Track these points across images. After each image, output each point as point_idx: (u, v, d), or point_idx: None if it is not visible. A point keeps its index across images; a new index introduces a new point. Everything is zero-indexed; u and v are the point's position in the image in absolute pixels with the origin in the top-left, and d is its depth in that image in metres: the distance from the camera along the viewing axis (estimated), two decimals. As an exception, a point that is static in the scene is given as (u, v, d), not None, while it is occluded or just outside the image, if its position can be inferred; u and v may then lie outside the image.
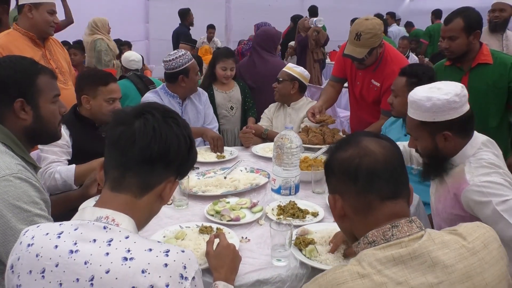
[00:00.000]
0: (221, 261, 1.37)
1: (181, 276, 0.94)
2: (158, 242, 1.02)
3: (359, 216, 1.07)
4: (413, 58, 6.90)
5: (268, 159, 2.67)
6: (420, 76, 2.26)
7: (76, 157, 2.32)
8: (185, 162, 1.12)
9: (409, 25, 9.64)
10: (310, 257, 1.52)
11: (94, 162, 2.21)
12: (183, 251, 0.98)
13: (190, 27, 7.41)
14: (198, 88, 3.12)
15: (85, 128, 2.42)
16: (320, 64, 6.88)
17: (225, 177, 2.25)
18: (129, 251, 0.94)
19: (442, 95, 1.56)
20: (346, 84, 3.39)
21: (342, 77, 3.10)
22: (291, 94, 3.16)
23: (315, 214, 1.88)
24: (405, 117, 2.39)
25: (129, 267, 0.92)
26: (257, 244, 1.67)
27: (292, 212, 1.86)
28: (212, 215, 1.85)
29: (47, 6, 2.89)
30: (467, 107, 1.62)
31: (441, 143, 1.62)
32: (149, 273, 0.91)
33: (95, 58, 5.74)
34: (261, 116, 3.39)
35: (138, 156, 1.03)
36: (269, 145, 2.88)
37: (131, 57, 4.47)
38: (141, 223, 1.10)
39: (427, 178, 1.77)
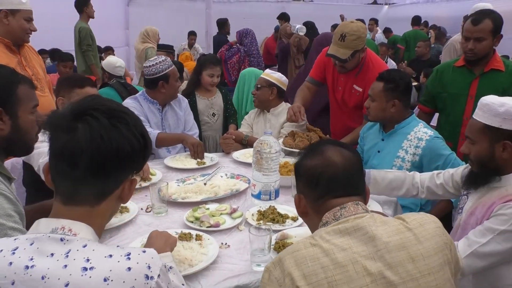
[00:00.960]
0: (150, 240, 1.37)
1: (147, 277, 0.91)
2: (117, 246, 0.98)
3: (317, 213, 1.22)
4: (391, 64, 7.02)
5: (248, 164, 2.67)
6: (397, 81, 2.31)
7: None
8: (141, 160, 1.07)
9: (387, 31, 9.83)
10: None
11: None
12: (144, 252, 0.96)
13: (227, 36, 7.45)
14: (178, 94, 3.11)
15: None
16: (299, 71, 6.90)
17: (205, 184, 2.24)
18: (88, 260, 0.90)
19: None
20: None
21: (320, 81, 3.11)
22: (270, 100, 3.18)
23: (294, 219, 1.88)
24: (381, 121, 2.46)
25: (90, 277, 0.88)
26: (237, 250, 1.67)
27: (272, 217, 1.86)
28: (192, 222, 1.84)
29: (24, 13, 2.85)
30: None
31: (499, 152, 1.61)
32: (112, 280, 0.88)
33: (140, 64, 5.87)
34: (242, 122, 3.40)
35: (88, 168, 0.95)
36: (250, 151, 2.88)
37: (117, 63, 4.26)
38: (101, 228, 1.07)
39: (472, 187, 1.74)
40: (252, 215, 1.92)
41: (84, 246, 0.93)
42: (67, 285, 0.87)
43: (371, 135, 2.58)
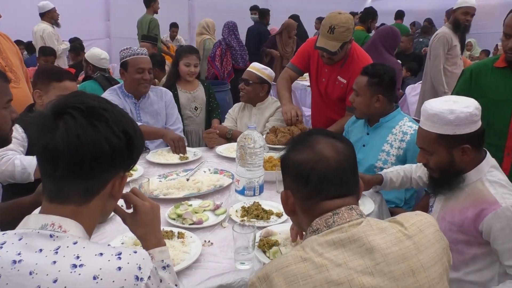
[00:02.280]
0: (147, 227, 1.20)
1: (136, 278, 0.90)
2: (109, 245, 0.97)
3: (306, 214, 1.13)
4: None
5: (232, 159, 2.62)
6: (382, 76, 2.29)
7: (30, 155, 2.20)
8: (127, 157, 1.02)
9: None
10: (273, 259, 1.49)
11: None
12: (135, 252, 0.95)
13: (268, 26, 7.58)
14: (161, 88, 3.03)
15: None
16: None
17: (187, 179, 2.19)
18: (78, 257, 0.89)
19: (464, 108, 1.53)
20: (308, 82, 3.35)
21: (303, 69, 3.08)
22: (260, 96, 3.13)
23: (279, 215, 1.85)
24: (366, 116, 2.44)
25: (79, 274, 0.86)
26: (220, 247, 1.63)
27: (256, 213, 1.83)
28: (174, 219, 1.79)
29: None
30: (480, 122, 1.59)
31: (459, 157, 1.58)
32: (101, 279, 0.87)
33: (202, 55, 6.08)
34: (226, 116, 3.34)
35: (68, 168, 0.93)
36: (233, 145, 2.84)
37: (102, 54, 4.07)
38: (91, 227, 1.04)
39: (438, 193, 1.72)
40: (236, 211, 1.88)
41: (75, 243, 0.91)
42: (55, 281, 0.85)
43: (356, 129, 2.57)
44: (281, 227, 1.71)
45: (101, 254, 0.91)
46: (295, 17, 7.75)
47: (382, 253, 0.99)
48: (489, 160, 1.65)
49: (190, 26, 5.21)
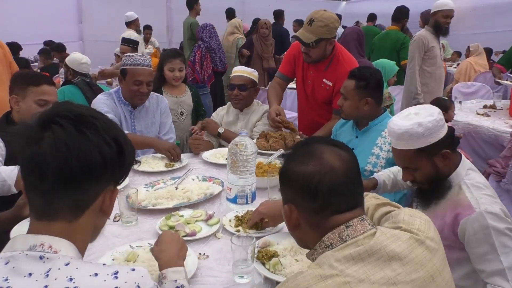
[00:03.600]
0: (162, 245, 1.28)
1: None
2: (104, 264, 0.91)
3: (314, 230, 1.07)
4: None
5: (219, 165, 2.56)
6: (368, 78, 2.28)
7: (8, 165, 2.07)
8: (118, 168, 0.97)
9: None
10: (274, 271, 1.44)
11: None
12: (133, 270, 0.90)
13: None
14: (157, 94, 2.93)
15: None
16: (269, 74, 6.65)
17: (176, 188, 2.11)
18: (71, 279, 0.83)
19: (429, 117, 1.56)
20: (293, 85, 3.32)
21: (290, 76, 3.06)
22: (251, 100, 3.07)
23: (274, 224, 1.80)
24: (355, 119, 2.42)
25: None
26: (216, 260, 1.56)
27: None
28: (165, 231, 1.71)
29: None
30: (446, 123, 1.63)
31: (441, 163, 1.61)
32: None
33: (235, 54, 6.53)
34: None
35: (57, 180, 0.88)
36: (220, 151, 2.78)
37: (82, 59, 3.94)
38: (84, 245, 0.98)
39: (429, 203, 1.71)
40: (230, 221, 1.82)
41: (67, 265, 0.85)
42: None
43: (344, 132, 2.55)
44: (279, 236, 1.66)
45: (96, 274, 0.85)
46: (278, 14, 7.80)
47: (401, 263, 0.97)
48: (465, 163, 1.68)
49: (168, 29, 5.08)
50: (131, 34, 6.16)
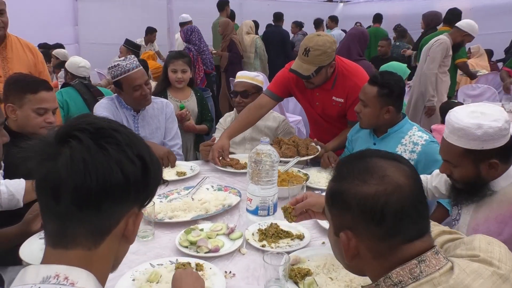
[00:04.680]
0: (176, 284, 1.20)
1: None
2: None
3: (378, 260, 0.93)
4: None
5: (232, 173, 2.46)
6: (392, 86, 2.16)
7: (7, 178, 1.95)
8: (143, 188, 0.85)
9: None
10: None
11: None
12: None
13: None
14: (162, 99, 2.82)
15: (15, 144, 2.06)
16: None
17: (192, 198, 2.00)
18: None
19: (493, 122, 1.43)
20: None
21: (284, 96, 2.81)
22: None
23: (300, 237, 1.70)
24: (372, 127, 2.31)
25: None
26: (244, 279, 1.46)
27: (278, 235, 1.67)
28: (186, 247, 1.60)
29: None
30: (510, 135, 1.49)
31: (485, 171, 1.49)
32: None
33: (254, 53, 6.70)
34: (217, 126, 3.12)
35: (74, 201, 0.77)
36: (232, 158, 2.67)
37: (81, 63, 3.87)
38: (104, 276, 0.86)
39: (462, 203, 1.62)
40: (253, 234, 1.72)
41: None
42: None
43: (360, 138, 2.44)
44: (308, 252, 1.56)
45: None
46: (278, 16, 7.78)
47: None
48: None
49: (169, 31, 4.98)
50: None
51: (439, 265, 0.88)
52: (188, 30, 5.51)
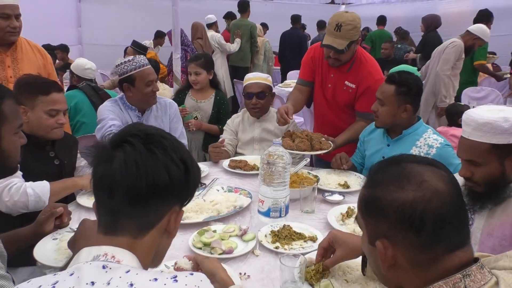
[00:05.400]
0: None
1: None
2: (161, 271, 0.93)
3: (417, 270, 0.89)
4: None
5: (241, 175, 2.46)
6: (410, 85, 2.17)
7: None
8: (184, 189, 0.97)
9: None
10: None
11: (68, 180, 2.01)
12: (191, 274, 0.89)
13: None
14: (166, 99, 2.82)
15: (28, 146, 2.06)
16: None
17: (203, 200, 2.00)
18: (132, 285, 0.82)
19: None
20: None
21: (311, 80, 2.90)
22: (269, 107, 2.94)
23: (313, 239, 1.69)
24: (389, 127, 2.31)
25: None
26: (259, 281, 1.45)
27: (291, 237, 1.67)
28: (200, 248, 1.60)
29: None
30: None
31: (510, 168, 1.47)
32: None
33: (263, 55, 7.02)
34: (224, 128, 3.07)
35: (125, 198, 0.90)
36: (241, 159, 2.66)
37: (87, 65, 3.87)
38: (146, 263, 0.95)
39: (481, 208, 1.58)
40: (266, 236, 1.71)
41: (127, 272, 0.85)
42: None
43: (373, 139, 2.44)
44: (323, 254, 1.55)
45: (156, 279, 0.84)
46: (296, 18, 8.00)
47: None
48: None
49: (174, 33, 4.97)
50: (213, 35, 6.62)
51: (484, 280, 0.85)
52: (182, 32, 5.51)
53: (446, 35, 6.73)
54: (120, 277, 0.83)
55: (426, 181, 0.88)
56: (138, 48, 4.96)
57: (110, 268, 0.85)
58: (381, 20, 8.21)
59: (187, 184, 0.96)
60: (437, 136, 2.22)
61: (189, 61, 3.28)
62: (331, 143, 2.50)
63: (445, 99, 4.32)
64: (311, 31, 9.31)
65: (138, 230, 0.92)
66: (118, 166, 0.89)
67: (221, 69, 6.72)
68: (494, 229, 1.57)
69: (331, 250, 1.41)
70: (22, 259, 1.64)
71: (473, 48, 4.51)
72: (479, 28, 4.43)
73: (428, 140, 2.20)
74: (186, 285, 0.84)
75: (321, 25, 8.75)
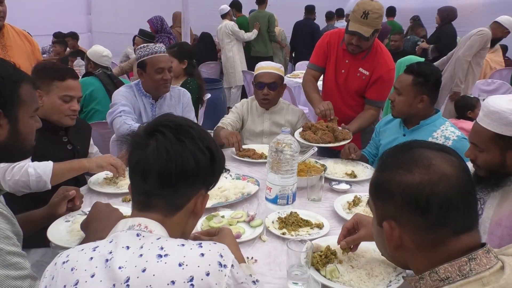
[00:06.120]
0: (225, 240, 1.31)
1: (220, 264, 0.92)
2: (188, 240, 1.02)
3: (422, 252, 0.92)
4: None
5: (249, 163, 2.49)
6: (428, 76, 2.18)
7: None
8: (210, 174, 1.07)
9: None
10: (331, 278, 1.36)
11: (74, 162, 2.03)
12: (215, 243, 0.98)
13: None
14: (179, 88, 2.85)
15: (41, 130, 2.10)
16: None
17: (212, 186, 2.03)
18: (162, 248, 0.92)
19: None
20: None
21: (323, 66, 2.92)
22: (279, 98, 2.89)
23: (320, 226, 1.72)
24: (405, 117, 2.32)
25: (165, 263, 0.90)
26: (266, 265, 1.49)
27: (297, 224, 1.70)
28: (208, 233, 1.63)
29: None
30: None
31: (511, 160, 1.48)
32: (186, 265, 0.90)
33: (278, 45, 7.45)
34: (231, 109, 3.00)
35: (157, 181, 1.00)
36: (249, 147, 2.69)
37: (104, 52, 3.91)
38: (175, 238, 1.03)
39: (483, 192, 1.62)
40: (273, 222, 1.74)
41: (158, 239, 0.95)
42: (144, 270, 0.89)
43: (389, 129, 2.45)
44: (329, 241, 1.57)
45: (183, 244, 0.94)
46: (310, 9, 8.10)
47: None
48: None
49: (184, 21, 4.98)
50: (227, 23, 6.81)
51: (489, 264, 0.86)
52: (158, 20, 5.53)
53: (458, 27, 6.66)
54: (151, 242, 0.93)
55: (434, 164, 0.90)
56: (145, 37, 4.99)
57: (143, 236, 0.95)
58: (391, 11, 8.10)
59: (213, 170, 1.06)
60: (454, 129, 2.22)
61: None
62: (349, 131, 2.52)
63: (460, 84, 4.37)
64: (320, 22, 9.24)
65: (168, 210, 1.02)
66: (151, 152, 0.99)
67: (237, 56, 6.92)
68: (502, 218, 1.58)
69: (354, 232, 1.45)
70: (35, 240, 1.69)
71: (500, 39, 4.61)
72: (510, 21, 4.44)
73: (446, 132, 2.20)
74: (209, 250, 0.93)
75: (329, 16, 8.70)
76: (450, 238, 0.89)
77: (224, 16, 7.16)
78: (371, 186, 1.01)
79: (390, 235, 0.94)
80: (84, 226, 1.48)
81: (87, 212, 1.55)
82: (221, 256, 0.94)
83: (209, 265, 0.91)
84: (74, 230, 1.61)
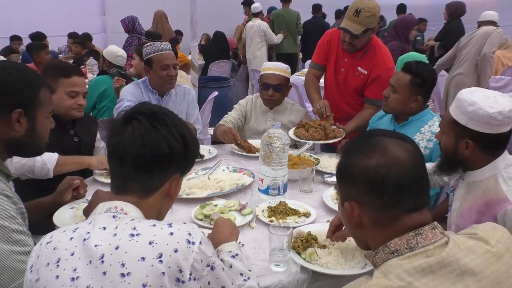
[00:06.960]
0: (217, 228, 1.42)
1: (188, 242, 0.98)
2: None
3: (378, 228, 1.01)
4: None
5: (248, 157, 2.59)
6: (426, 77, 2.22)
7: None
8: (183, 159, 1.13)
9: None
10: (310, 261, 1.47)
11: (77, 157, 2.18)
12: (184, 223, 1.04)
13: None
14: (184, 85, 2.98)
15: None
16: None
17: (208, 178, 2.15)
18: (135, 228, 0.99)
19: (487, 106, 1.47)
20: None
21: (324, 64, 2.98)
22: (283, 99, 2.94)
23: (307, 215, 1.82)
24: (396, 113, 2.39)
25: (137, 241, 0.97)
26: (252, 249, 1.60)
27: (286, 212, 1.80)
28: (201, 220, 1.76)
29: None
30: (506, 129, 1.52)
31: (461, 149, 1.57)
32: (156, 243, 0.96)
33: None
34: (235, 106, 3.07)
35: (133, 165, 1.07)
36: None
37: (119, 52, 4.07)
38: (150, 219, 1.10)
39: (438, 173, 1.72)
40: (263, 211, 1.85)
41: (132, 220, 1.03)
42: (117, 248, 0.96)
43: (381, 125, 2.52)
44: (312, 227, 1.68)
45: (154, 225, 1.01)
46: (318, 7, 8.12)
47: (475, 279, 0.90)
48: (506, 157, 1.61)
49: (192, 21, 5.10)
50: (260, 23, 7.06)
51: (434, 238, 0.95)
52: (130, 20, 5.61)
53: (468, 23, 6.60)
54: (126, 223, 1.01)
55: (389, 150, 0.99)
56: (151, 38, 5.14)
57: (119, 218, 1.03)
58: (401, 9, 8.05)
59: (186, 155, 1.13)
60: None
61: None
62: (343, 130, 2.59)
63: (489, 79, 4.55)
64: (329, 20, 9.26)
65: (144, 192, 1.10)
66: (127, 138, 1.06)
67: (265, 56, 7.23)
68: (464, 211, 1.65)
69: (341, 227, 1.55)
70: (42, 227, 1.83)
71: None
72: (492, 16, 4.49)
73: (433, 127, 2.26)
74: (179, 229, 1.00)
75: (339, 14, 8.74)
76: (402, 216, 0.98)
77: (256, 15, 7.32)
78: (336, 170, 1.10)
79: (351, 214, 1.04)
80: (86, 211, 1.62)
81: (90, 200, 1.68)
82: (190, 234, 0.99)
83: (178, 242, 0.97)
84: (78, 215, 1.75)
